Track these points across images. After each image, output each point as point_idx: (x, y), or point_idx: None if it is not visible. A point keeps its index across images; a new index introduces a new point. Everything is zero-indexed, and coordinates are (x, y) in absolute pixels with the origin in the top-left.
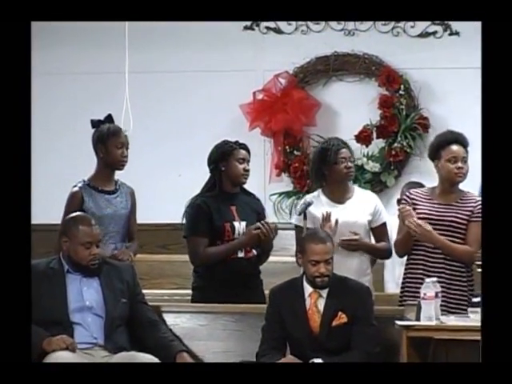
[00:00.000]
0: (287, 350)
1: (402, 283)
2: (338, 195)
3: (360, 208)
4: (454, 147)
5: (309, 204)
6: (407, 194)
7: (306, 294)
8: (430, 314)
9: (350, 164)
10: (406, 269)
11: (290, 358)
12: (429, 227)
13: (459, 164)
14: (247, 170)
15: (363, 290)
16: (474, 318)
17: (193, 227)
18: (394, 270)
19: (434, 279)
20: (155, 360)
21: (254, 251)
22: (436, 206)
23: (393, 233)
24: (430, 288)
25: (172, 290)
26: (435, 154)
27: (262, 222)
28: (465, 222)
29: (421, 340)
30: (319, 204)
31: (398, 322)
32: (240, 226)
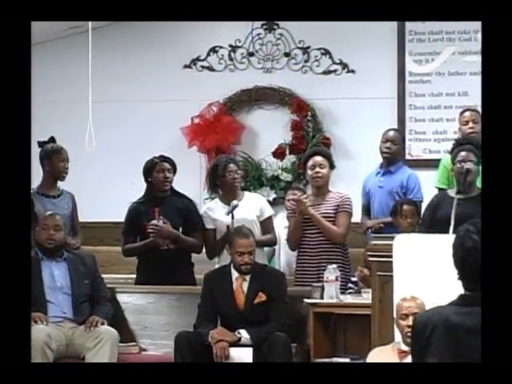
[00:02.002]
0: (218, 323)
1: (296, 268)
2: (230, 199)
3: (248, 208)
4: (316, 158)
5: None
6: (292, 202)
7: (233, 278)
8: (331, 293)
9: (236, 175)
10: (297, 257)
11: (220, 329)
12: (307, 201)
13: (316, 169)
14: (167, 177)
15: (278, 275)
16: (365, 297)
17: (124, 227)
18: (280, 258)
19: (335, 265)
20: (110, 329)
21: (169, 244)
22: (313, 206)
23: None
24: (331, 273)
25: (126, 274)
26: (303, 166)
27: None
28: (332, 213)
29: (324, 314)
30: (217, 207)
31: (306, 300)
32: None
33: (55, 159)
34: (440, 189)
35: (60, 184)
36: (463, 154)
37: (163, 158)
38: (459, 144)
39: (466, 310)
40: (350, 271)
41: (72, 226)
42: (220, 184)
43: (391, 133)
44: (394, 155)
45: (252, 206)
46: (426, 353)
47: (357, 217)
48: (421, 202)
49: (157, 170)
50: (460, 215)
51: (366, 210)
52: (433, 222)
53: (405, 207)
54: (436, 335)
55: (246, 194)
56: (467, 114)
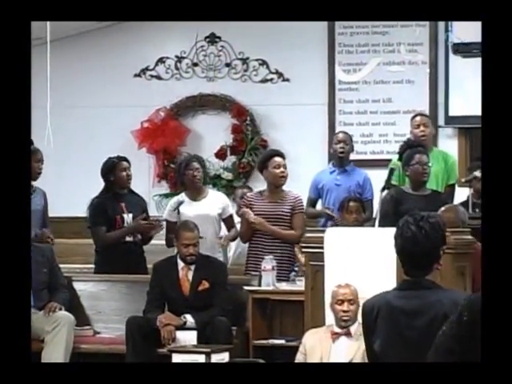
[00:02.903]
0: (165, 308)
1: (247, 259)
2: (195, 196)
3: (211, 205)
4: (277, 158)
5: (181, 202)
6: (244, 198)
7: (180, 268)
8: (268, 281)
9: (196, 173)
10: (249, 248)
11: (167, 314)
12: (262, 220)
13: (281, 169)
14: (129, 175)
15: (220, 264)
16: (299, 284)
17: (93, 220)
18: (238, 248)
19: (271, 256)
20: (67, 314)
21: (139, 236)
22: (266, 204)
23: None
24: (268, 263)
25: (82, 264)
26: (262, 165)
27: (144, 215)
28: (289, 214)
29: (262, 300)
30: (183, 203)
31: (246, 287)
32: (128, 217)
33: (32, 160)
34: (392, 185)
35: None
36: (419, 156)
37: (122, 158)
38: (411, 146)
39: (405, 293)
40: (295, 262)
41: (44, 221)
42: (182, 181)
43: (341, 134)
44: (347, 155)
45: (215, 204)
46: (373, 334)
47: None
48: (371, 200)
49: (119, 169)
50: (419, 210)
51: (313, 204)
52: (397, 216)
53: (351, 204)
54: (380, 318)
55: (210, 191)
56: (418, 118)
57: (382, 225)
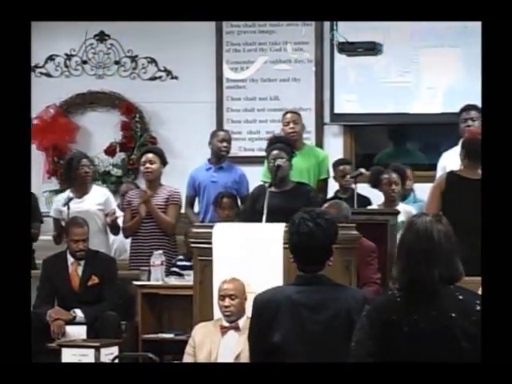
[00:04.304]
0: (55, 303)
1: (130, 253)
2: (80, 192)
3: (94, 201)
4: (147, 155)
5: (71, 199)
6: (126, 196)
7: (69, 263)
8: (157, 276)
9: (88, 170)
10: (132, 243)
11: (56, 309)
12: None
13: (147, 165)
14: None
15: (109, 260)
16: (188, 279)
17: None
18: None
19: (161, 251)
20: None
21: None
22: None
23: None
24: (157, 258)
25: None
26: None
27: None
28: (164, 206)
29: (151, 295)
30: (73, 199)
31: (135, 282)
32: None
33: None
34: (265, 182)
35: None
36: (275, 152)
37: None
38: (272, 143)
39: (305, 288)
40: (176, 256)
41: None
42: (73, 177)
43: (223, 133)
44: (228, 153)
45: (98, 199)
46: (269, 329)
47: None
48: (246, 196)
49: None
50: (273, 207)
51: (191, 201)
52: (253, 213)
53: (224, 200)
54: (281, 312)
55: (94, 186)
56: (288, 115)
57: (238, 221)
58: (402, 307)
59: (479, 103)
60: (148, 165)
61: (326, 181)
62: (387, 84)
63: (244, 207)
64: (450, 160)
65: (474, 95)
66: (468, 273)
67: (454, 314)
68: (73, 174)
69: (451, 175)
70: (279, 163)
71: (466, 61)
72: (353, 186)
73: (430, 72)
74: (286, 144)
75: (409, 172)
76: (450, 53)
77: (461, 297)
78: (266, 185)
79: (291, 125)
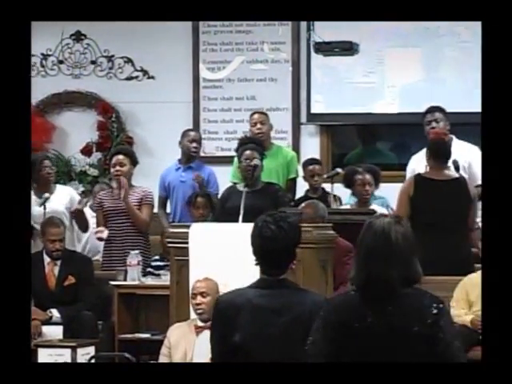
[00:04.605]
0: (32, 303)
1: (103, 254)
2: (43, 192)
3: (59, 201)
4: (117, 156)
5: (47, 198)
6: (97, 197)
7: (46, 263)
8: (133, 276)
9: (50, 171)
10: (105, 243)
11: (33, 309)
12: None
13: (117, 167)
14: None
15: (86, 260)
16: (165, 279)
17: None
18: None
19: (137, 251)
20: None
21: None
22: (116, 199)
23: None
24: (133, 258)
25: None
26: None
27: None
28: (137, 206)
29: (127, 295)
30: (49, 199)
31: (112, 282)
32: None
33: None
34: (234, 183)
35: None
36: (248, 152)
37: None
38: (243, 143)
39: (266, 292)
40: (150, 256)
41: None
42: (36, 178)
43: (193, 133)
44: (198, 153)
45: (63, 198)
46: (230, 331)
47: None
48: (217, 195)
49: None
50: (248, 206)
51: (163, 203)
52: (224, 213)
53: (198, 199)
54: (241, 315)
55: (58, 186)
56: (256, 116)
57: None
58: (357, 308)
59: (439, 103)
60: (118, 167)
61: (294, 180)
62: (353, 84)
63: (216, 207)
64: (419, 162)
65: (434, 96)
66: (439, 272)
67: (409, 317)
68: (36, 176)
69: (418, 178)
70: (256, 163)
71: (426, 61)
72: (324, 185)
73: (393, 72)
74: (257, 144)
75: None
76: (412, 53)
77: (417, 299)
78: (238, 186)
79: (258, 125)
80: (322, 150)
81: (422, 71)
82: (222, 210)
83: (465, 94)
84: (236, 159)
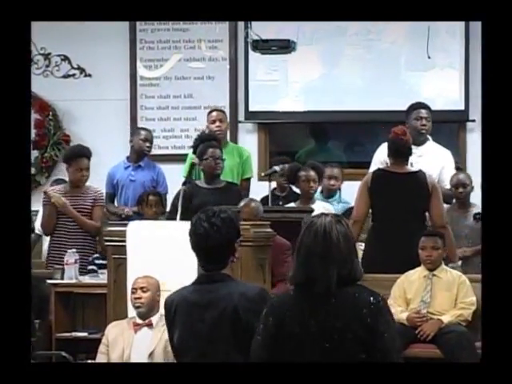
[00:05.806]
0: None
1: (48, 252)
2: None
3: None
4: (84, 159)
5: None
6: (45, 194)
7: None
8: (71, 275)
9: None
10: (51, 242)
11: None
12: (65, 201)
13: (83, 172)
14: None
15: None
16: (102, 277)
17: None
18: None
19: (74, 250)
20: None
21: None
22: (68, 198)
23: None
24: (71, 256)
25: None
26: (66, 162)
27: None
28: (90, 207)
29: (64, 294)
30: None
31: (48, 281)
32: None
33: None
34: (189, 179)
35: None
36: (211, 150)
37: None
38: (204, 140)
39: (200, 287)
40: (94, 254)
41: None
42: None
43: (145, 132)
44: (150, 152)
45: None
46: (172, 330)
47: None
48: (166, 193)
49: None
50: (208, 204)
51: (111, 198)
52: (190, 210)
53: (150, 197)
54: (177, 313)
55: None
56: (214, 113)
57: (169, 218)
58: (295, 306)
59: (336, 100)
60: (85, 172)
61: (249, 180)
62: (254, 82)
63: (173, 204)
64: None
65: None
66: (395, 267)
67: (346, 317)
68: None
69: (378, 171)
70: (222, 159)
71: (324, 58)
72: (273, 184)
73: (296, 70)
74: (216, 141)
75: (335, 171)
76: (313, 51)
77: (355, 296)
78: (198, 182)
79: (217, 123)
80: (260, 147)
81: (321, 69)
82: (187, 207)
83: (360, 91)
84: (192, 155)
